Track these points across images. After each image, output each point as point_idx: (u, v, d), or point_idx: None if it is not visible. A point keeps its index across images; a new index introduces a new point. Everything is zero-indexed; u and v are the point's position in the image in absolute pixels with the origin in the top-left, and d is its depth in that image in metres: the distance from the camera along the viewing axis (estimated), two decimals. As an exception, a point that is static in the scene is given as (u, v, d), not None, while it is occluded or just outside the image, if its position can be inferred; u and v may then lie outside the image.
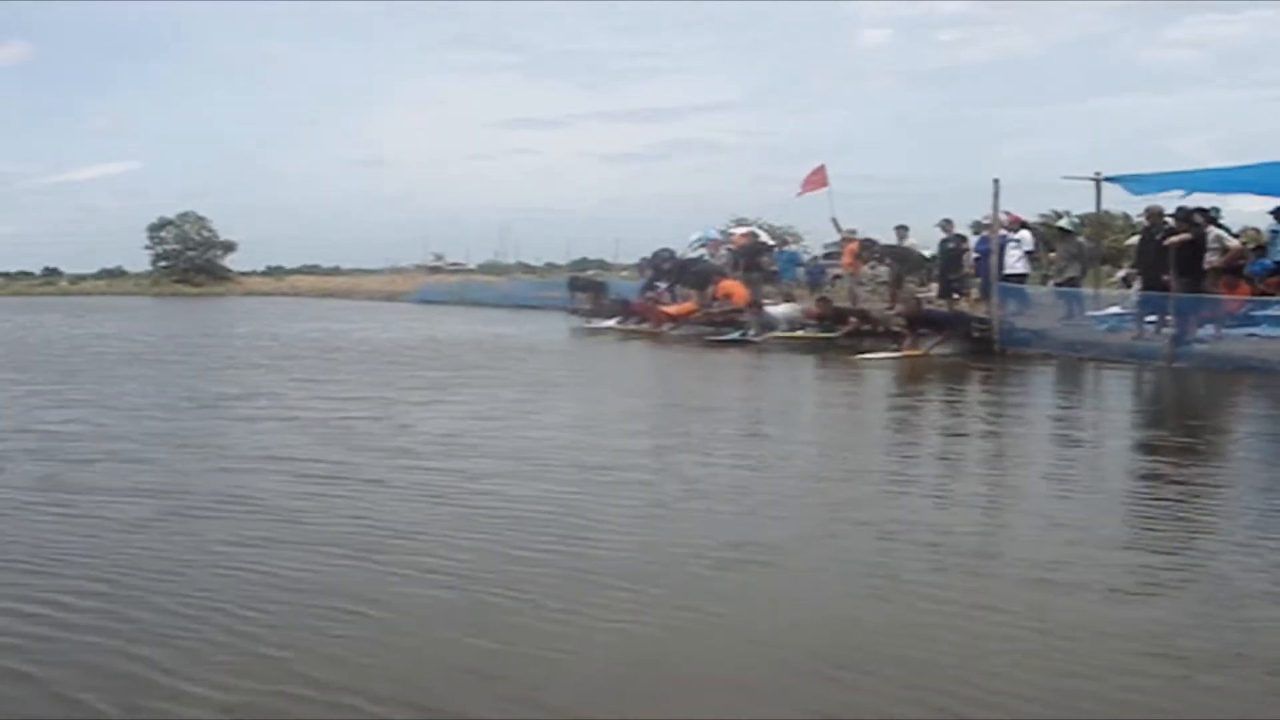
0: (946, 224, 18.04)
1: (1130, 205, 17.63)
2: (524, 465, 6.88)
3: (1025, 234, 16.41)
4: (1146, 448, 7.82)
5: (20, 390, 11.82)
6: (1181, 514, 5.47)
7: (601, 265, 29.92)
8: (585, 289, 24.14)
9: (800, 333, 16.45)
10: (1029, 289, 16.10)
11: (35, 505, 5.85)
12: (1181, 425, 8.94)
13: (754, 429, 9.08)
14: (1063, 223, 17.29)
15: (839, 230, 20.45)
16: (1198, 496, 5.93)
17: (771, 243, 24.53)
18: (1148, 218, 14.29)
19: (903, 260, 18.75)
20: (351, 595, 4.14)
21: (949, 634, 3.66)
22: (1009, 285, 15.48)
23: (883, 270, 19.98)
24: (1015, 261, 15.97)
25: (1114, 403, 10.85)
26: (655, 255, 23.32)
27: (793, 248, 22.59)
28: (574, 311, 23.88)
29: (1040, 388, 11.83)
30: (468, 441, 7.87)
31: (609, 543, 4.91)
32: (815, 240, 25.46)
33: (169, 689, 3.26)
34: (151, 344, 19.82)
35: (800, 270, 22.24)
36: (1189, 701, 3.13)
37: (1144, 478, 6.68)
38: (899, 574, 4.38)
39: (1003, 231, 15.88)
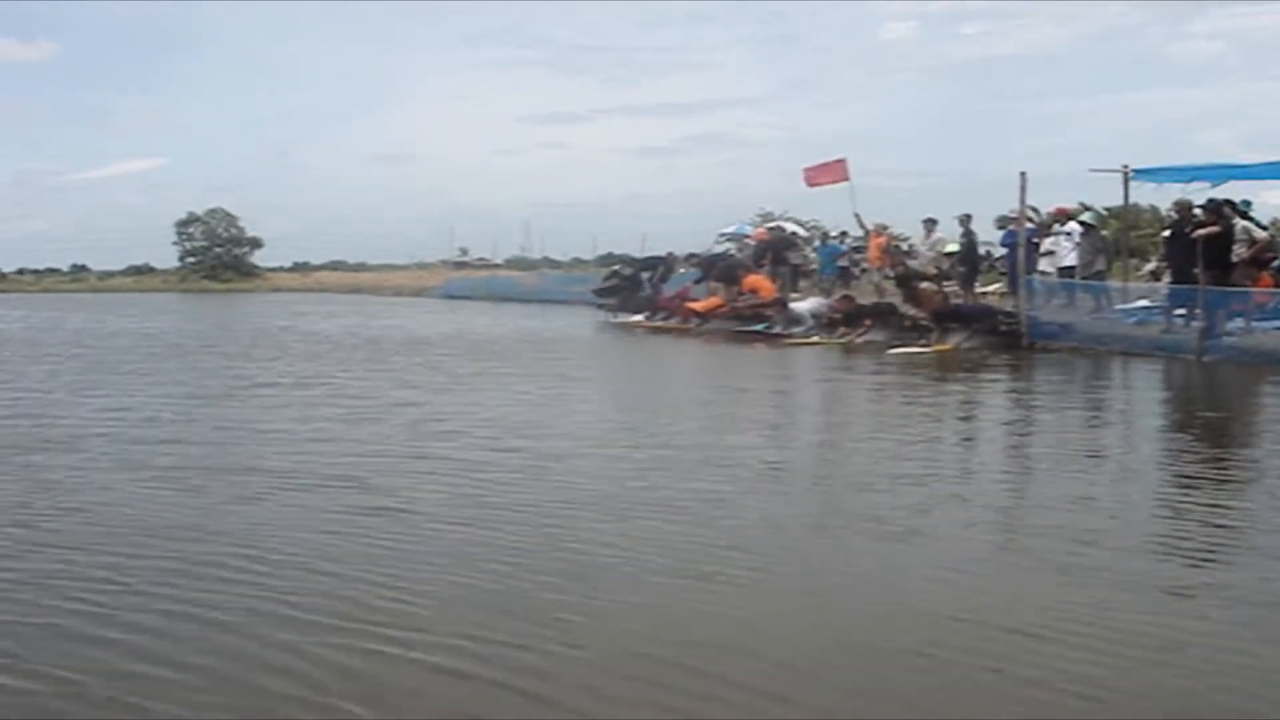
0: (965, 219, 18.28)
1: (1158, 199, 17.68)
2: (595, 446, 7.42)
3: (1075, 225, 16.39)
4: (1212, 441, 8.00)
5: (74, 380, 12.31)
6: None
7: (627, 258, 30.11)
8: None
9: (815, 338, 16.54)
10: (1058, 282, 16.13)
11: (137, 484, 6.21)
12: (1223, 418, 9.16)
13: (800, 417, 9.49)
14: (1086, 217, 17.33)
15: (862, 226, 20.59)
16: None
17: (805, 235, 24.56)
18: (1176, 211, 14.37)
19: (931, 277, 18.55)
20: (472, 556, 4.54)
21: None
22: (1036, 278, 15.57)
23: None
24: (1067, 254, 16.02)
25: (1152, 396, 11.01)
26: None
27: (835, 242, 22.45)
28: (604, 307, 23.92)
29: (1077, 382, 11.91)
30: (538, 425, 8.35)
31: (710, 515, 5.29)
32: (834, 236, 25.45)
33: (336, 632, 3.64)
34: (195, 339, 20.37)
35: (839, 265, 22.27)
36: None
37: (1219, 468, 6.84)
38: (1016, 544, 4.84)
39: (1031, 224, 15.98)
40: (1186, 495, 5.77)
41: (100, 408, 9.64)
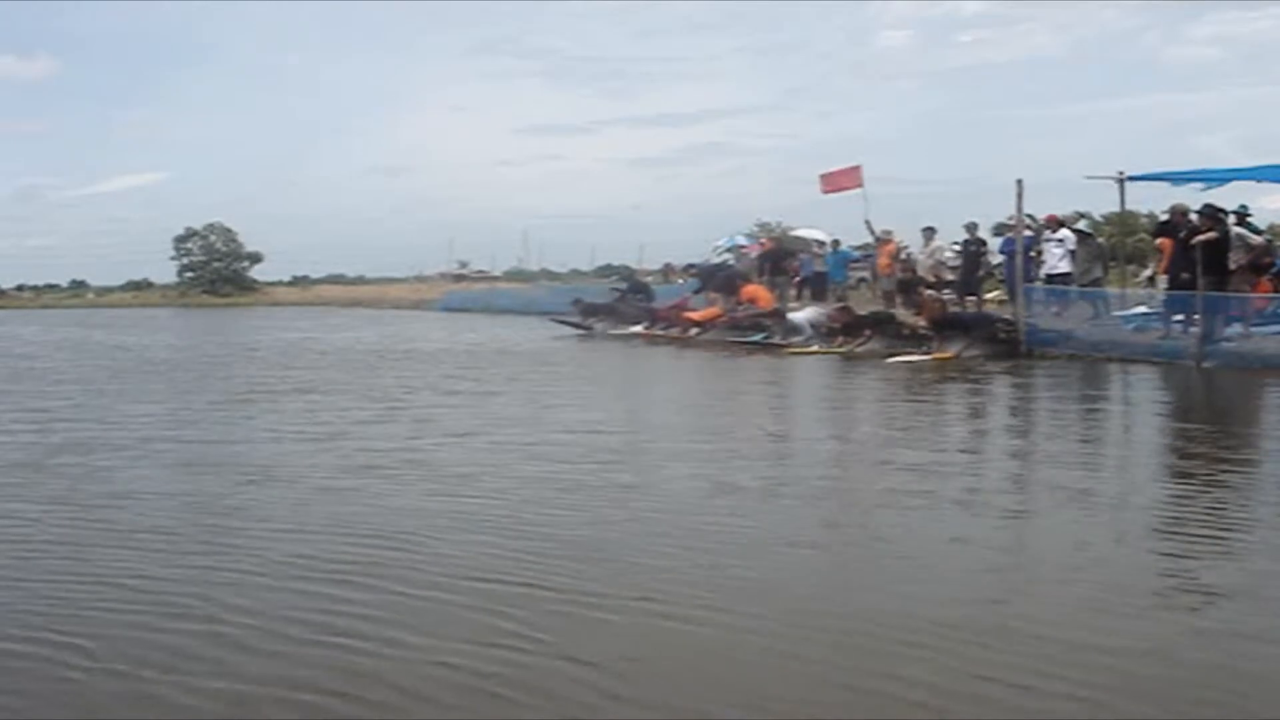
0: (971, 226, 18.34)
1: (1155, 204, 17.75)
2: (653, 440, 8.03)
3: (1066, 233, 16.43)
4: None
5: (127, 389, 12.79)
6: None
7: (627, 270, 30.28)
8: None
9: (814, 347, 16.64)
10: (1055, 290, 16.16)
11: (220, 477, 6.62)
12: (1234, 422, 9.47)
13: (830, 420, 9.95)
14: (1081, 224, 17.41)
15: (872, 233, 20.65)
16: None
17: (824, 241, 24.50)
18: (1172, 216, 14.40)
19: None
20: (555, 533, 5.08)
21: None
22: (1035, 286, 15.63)
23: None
24: (1059, 261, 16.07)
25: (1157, 402, 11.04)
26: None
27: (845, 248, 22.34)
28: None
29: (1080, 389, 11.85)
30: (587, 424, 9.00)
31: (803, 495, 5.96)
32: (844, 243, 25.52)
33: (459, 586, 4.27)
34: (219, 354, 20.51)
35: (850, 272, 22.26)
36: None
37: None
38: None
39: (1029, 232, 16.06)
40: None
41: (161, 414, 10.07)
